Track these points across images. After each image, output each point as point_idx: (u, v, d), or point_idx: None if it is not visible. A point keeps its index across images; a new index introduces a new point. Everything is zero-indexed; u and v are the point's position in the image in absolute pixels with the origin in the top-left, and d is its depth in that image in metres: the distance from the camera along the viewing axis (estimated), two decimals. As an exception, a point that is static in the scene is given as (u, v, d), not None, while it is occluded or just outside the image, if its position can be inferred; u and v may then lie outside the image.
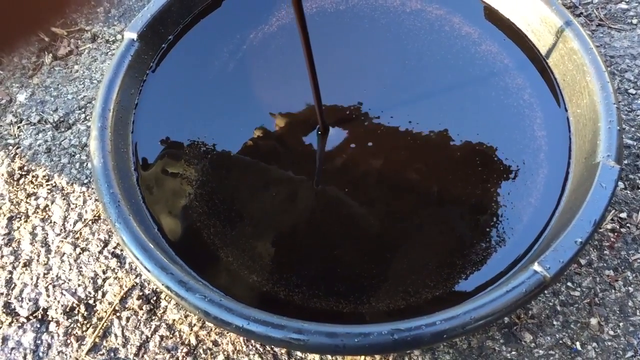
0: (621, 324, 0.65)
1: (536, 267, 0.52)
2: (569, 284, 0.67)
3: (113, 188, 0.61)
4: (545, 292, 0.67)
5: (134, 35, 0.73)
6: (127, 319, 0.68)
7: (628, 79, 0.84)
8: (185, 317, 0.68)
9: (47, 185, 0.79)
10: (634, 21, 0.90)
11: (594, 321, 0.65)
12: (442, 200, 0.66)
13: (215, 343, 0.66)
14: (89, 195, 0.78)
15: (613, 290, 0.67)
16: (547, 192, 0.65)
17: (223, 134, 0.72)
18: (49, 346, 0.67)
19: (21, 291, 0.71)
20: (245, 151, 0.71)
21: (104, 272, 0.72)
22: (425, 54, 0.77)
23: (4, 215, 0.77)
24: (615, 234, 0.71)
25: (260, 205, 0.66)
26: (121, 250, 0.73)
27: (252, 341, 0.65)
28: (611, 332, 0.64)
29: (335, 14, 0.82)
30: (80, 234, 0.75)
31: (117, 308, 0.69)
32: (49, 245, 0.74)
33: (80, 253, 0.73)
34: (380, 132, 0.71)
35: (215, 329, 0.67)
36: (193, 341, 0.66)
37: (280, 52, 0.79)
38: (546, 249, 0.55)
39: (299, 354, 0.65)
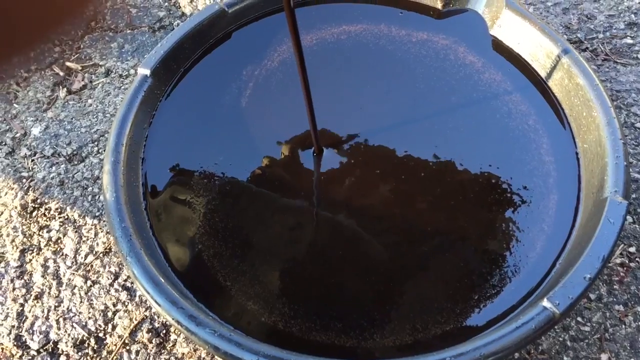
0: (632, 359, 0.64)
1: (545, 303, 0.52)
2: (579, 318, 0.67)
3: (125, 222, 0.62)
4: (555, 327, 0.66)
5: (147, 72, 0.74)
6: (137, 352, 0.69)
7: (635, 113, 0.84)
8: (195, 350, 0.68)
9: (59, 217, 0.80)
10: (640, 56, 0.91)
11: (604, 357, 0.64)
12: (451, 226, 0.66)
13: (224, 377, 0.66)
14: (100, 228, 0.79)
15: (623, 326, 0.67)
16: (559, 220, 0.66)
17: (227, 163, 0.73)
18: (59, 379, 0.68)
19: (32, 324, 0.72)
20: (245, 178, 0.72)
21: (114, 305, 0.72)
22: (429, 80, 0.78)
23: (17, 248, 0.78)
24: (625, 268, 0.71)
25: (266, 234, 0.67)
26: (131, 283, 0.74)
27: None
28: (622, 369, 0.64)
29: (338, 43, 0.84)
30: (92, 266, 0.75)
31: (127, 341, 0.69)
32: (61, 278, 0.75)
33: (91, 286, 0.74)
34: (384, 156, 0.72)
35: (224, 363, 0.67)
36: (202, 375, 0.67)
37: (284, 82, 0.80)
38: (555, 284, 0.55)
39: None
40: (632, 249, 0.72)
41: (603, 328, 0.67)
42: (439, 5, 0.85)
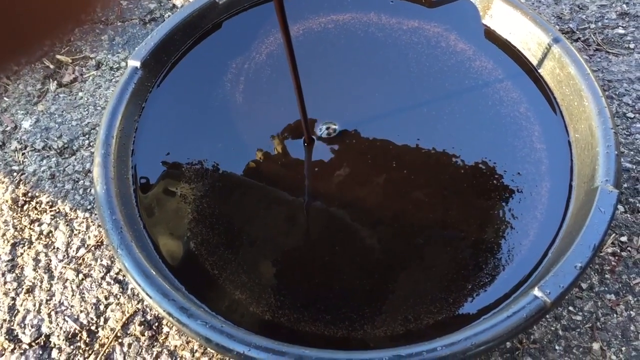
0: (623, 348, 0.64)
1: (536, 292, 0.52)
2: (571, 308, 0.67)
3: (116, 214, 0.61)
4: (547, 316, 0.67)
5: (138, 64, 0.74)
6: (129, 345, 0.68)
7: (626, 102, 0.84)
8: (187, 343, 0.68)
9: (50, 211, 0.80)
10: (631, 46, 0.91)
11: (596, 346, 0.65)
12: (444, 214, 0.66)
13: (216, 369, 0.66)
14: (92, 221, 0.79)
15: (615, 315, 0.67)
16: (552, 208, 0.66)
17: (217, 154, 0.73)
18: (51, 373, 0.67)
19: (24, 317, 0.71)
20: (235, 169, 0.72)
21: (106, 298, 0.72)
22: (420, 68, 0.78)
23: (8, 242, 0.78)
24: (616, 257, 0.71)
25: (256, 225, 0.67)
26: (123, 276, 0.74)
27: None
28: (613, 357, 0.64)
29: (327, 32, 0.84)
30: (83, 259, 0.75)
31: (119, 334, 0.69)
32: (52, 272, 0.75)
33: (82, 279, 0.74)
34: (375, 144, 0.72)
35: (217, 355, 0.67)
36: (195, 367, 0.67)
37: (275, 73, 0.80)
38: (546, 273, 0.55)
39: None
40: (624, 239, 0.72)
41: (595, 317, 0.67)
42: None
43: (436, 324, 0.59)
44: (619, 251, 0.71)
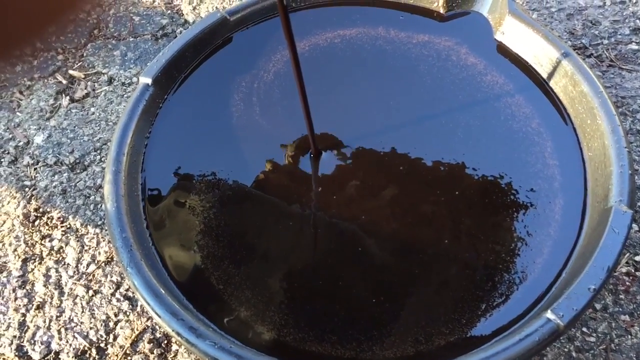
0: (639, 371, 0.63)
1: (549, 314, 0.51)
2: (584, 329, 0.66)
3: (126, 232, 0.61)
4: (560, 338, 0.66)
5: (149, 80, 0.74)
6: (138, 362, 0.68)
7: (640, 119, 0.84)
8: (196, 361, 0.68)
9: (61, 226, 0.80)
10: (645, 61, 0.91)
11: (610, 368, 0.64)
12: (457, 230, 0.66)
13: (225, 388, 0.66)
14: (102, 237, 0.79)
15: (629, 336, 0.66)
16: (565, 225, 0.65)
17: (227, 170, 0.72)
18: (60, 390, 0.67)
19: (34, 334, 0.71)
20: (243, 184, 0.71)
21: (115, 315, 0.72)
22: (430, 82, 0.78)
23: (19, 257, 0.78)
24: (631, 277, 0.70)
25: (265, 242, 0.66)
26: (133, 292, 0.74)
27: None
28: (629, 380, 0.63)
29: (336, 46, 0.84)
30: (94, 276, 0.75)
31: (128, 352, 0.69)
32: (62, 288, 0.75)
33: (92, 295, 0.74)
34: (383, 158, 0.72)
35: (226, 373, 0.66)
36: (203, 386, 0.66)
37: (283, 87, 0.80)
38: (560, 295, 0.54)
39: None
40: (638, 258, 0.71)
41: (609, 338, 0.66)
42: (442, 10, 0.84)
43: (448, 345, 0.58)
44: (633, 271, 0.70)
